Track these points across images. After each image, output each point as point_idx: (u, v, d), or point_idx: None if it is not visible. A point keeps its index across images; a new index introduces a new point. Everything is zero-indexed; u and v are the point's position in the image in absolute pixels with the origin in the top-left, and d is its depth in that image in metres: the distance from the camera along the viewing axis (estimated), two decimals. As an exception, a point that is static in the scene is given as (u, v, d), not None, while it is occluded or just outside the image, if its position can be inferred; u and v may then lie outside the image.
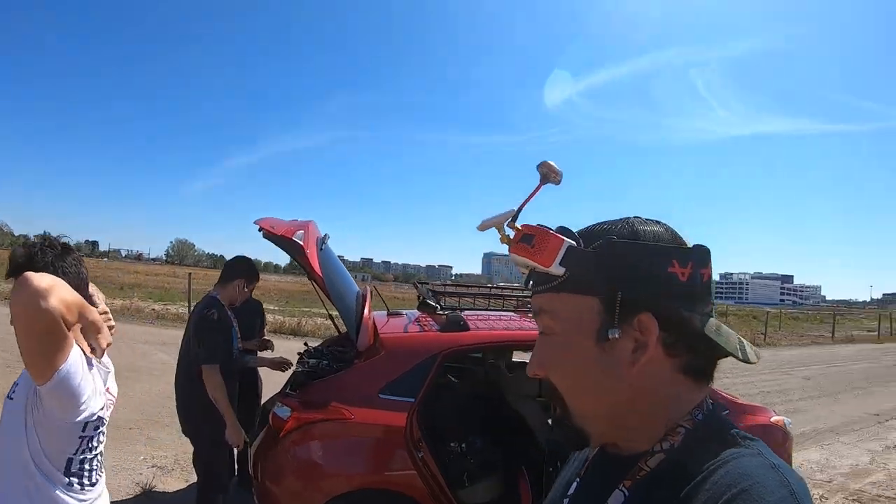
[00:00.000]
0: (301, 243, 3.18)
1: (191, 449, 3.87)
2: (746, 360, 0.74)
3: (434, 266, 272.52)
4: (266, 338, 4.66)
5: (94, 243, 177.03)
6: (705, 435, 0.71)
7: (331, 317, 4.68)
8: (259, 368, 4.44)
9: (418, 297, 4.45)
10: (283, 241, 3.24)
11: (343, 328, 4.21)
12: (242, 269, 3.82)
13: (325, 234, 3.73)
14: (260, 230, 3.32)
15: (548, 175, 0.81)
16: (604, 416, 0.76)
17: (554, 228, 0.76)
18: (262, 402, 4.44)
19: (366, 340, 3.24)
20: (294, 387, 3.40)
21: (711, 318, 0.74)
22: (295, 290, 36.70)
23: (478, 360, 5.09)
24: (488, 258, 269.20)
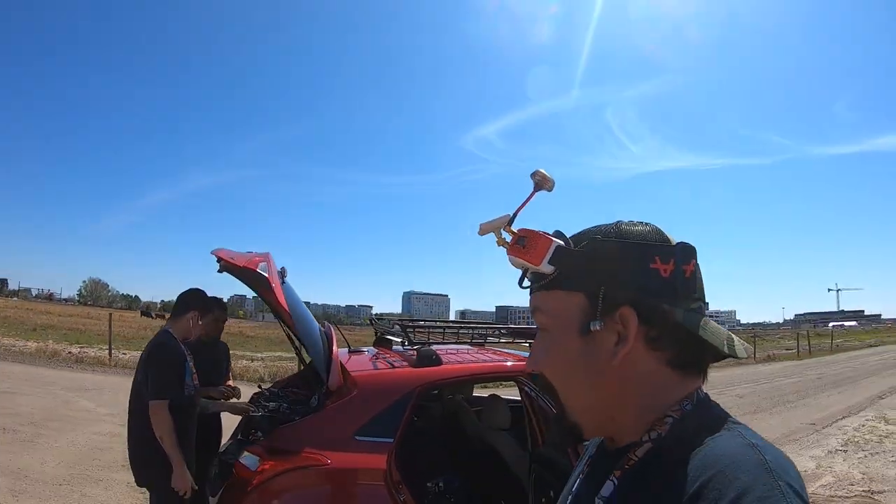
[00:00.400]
0: (266, 275, 3.00)
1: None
2: (734, 355, 0.78)
3: (354, 305, 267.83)
4: (231, 384, 4.30)
5: (4, 281, 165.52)
6: (692, 423, 0.73)
7: (298, 353, 4.48)
8: (221, 414, 4.10)
9: (376, 332, 4.40)
10: (245, 274, 3.04)
11: (300, 367, 4.01)
12: (195, 301, 3.57)
13: (283, 267, 3.54)
14: (218, 261, 3.11)
15: (541, 183, 0.87)
16: (594, 410, 0.79)
17: (550, 233, 0.81)
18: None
19: (337, 379, 3.06)
20: (253, 433, 3.17)
21: (697, 314, 0.77)
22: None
23: (433, 397, 4.94)
24: (408, 296, 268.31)
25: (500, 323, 6.07)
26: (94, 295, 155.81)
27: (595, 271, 0.77)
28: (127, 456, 3.40)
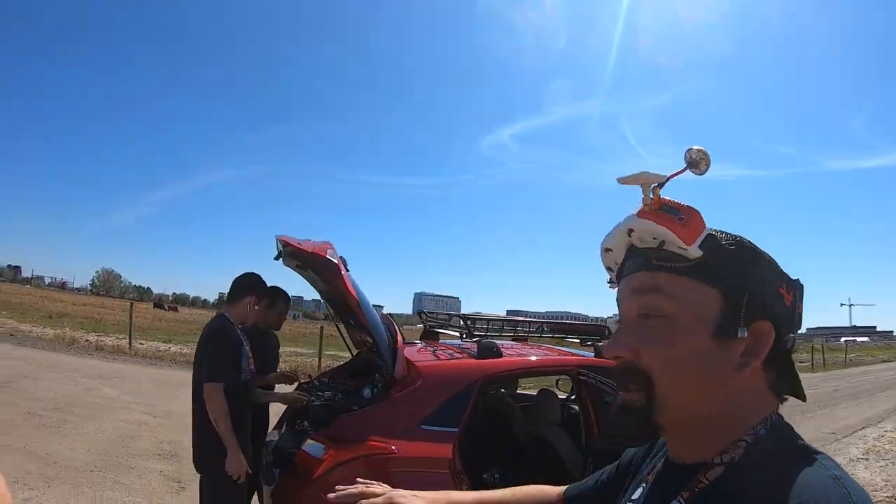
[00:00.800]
0: (336, 261, 2.98)
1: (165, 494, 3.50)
2: (801, 396, 0.81)
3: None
4: (288, 371, 4.23)
5: (17, 268, 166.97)
6: (766, 449, 0.72)
7: (344, 339, 4.48)
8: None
9: (425, 326, 4.46)
10: (313, 259, 3.02)
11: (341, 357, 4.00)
12: (252, 285, 3.51)
13: (342, 257, 3.53)
14: (284, 247, 3.08)
15: (698, 163, 0.77)
16: (693, 413, 0.75)
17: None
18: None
19: (402, 369, 3.06)
20: (299, 422, 3.17)
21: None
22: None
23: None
24: (419, 297, 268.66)
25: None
26: (107, 285, 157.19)
27: (741, 275, 0.74)
28: (158, 445, 3.38)
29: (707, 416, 0.74)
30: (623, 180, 0.80)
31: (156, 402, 9.08)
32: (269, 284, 3.72)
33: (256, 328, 3.87)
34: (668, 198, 0.77)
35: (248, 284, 3.50)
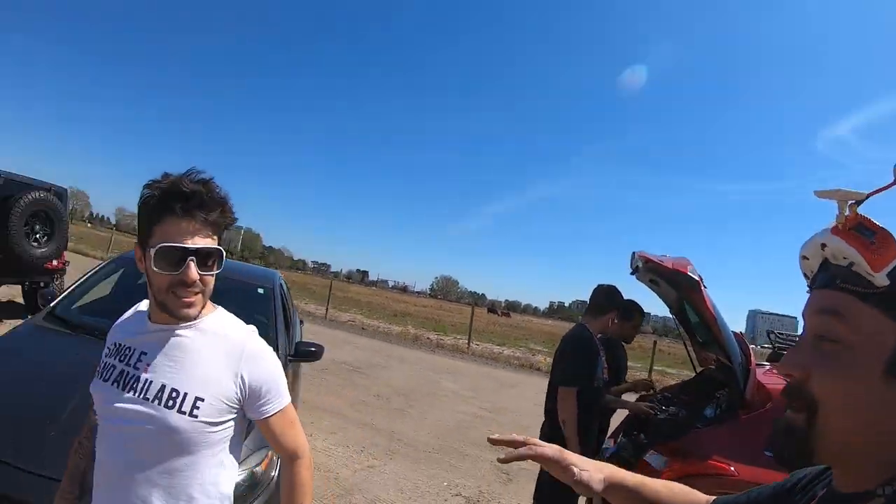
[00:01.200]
0: (697, 278, 3.00)
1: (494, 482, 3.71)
2: None
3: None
4: (646, 379, 4.37)
5: (365, 273, 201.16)
6: None
7: (689, 356, 4.42)
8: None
9: (773, 347, 4.32)
10: (675, 276, 3.06)
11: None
12: (616, 299, 3.60)
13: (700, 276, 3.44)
14: (645, 263, 3.17)
15: None
16: (848, 448, 0.71)
17: None
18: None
19: (752, 391, 2.98)
20: (635, 434, 3.28)
21: None
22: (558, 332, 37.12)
23: None
24: (753, 315, 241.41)
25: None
26: (445, 290, 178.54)
27: None
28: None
29: (867, 452, 0.70)
30: (820, 194, 0.76)
31: (490, 399, 9.97)
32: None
33: (610, 339, 4.02)
34: (867, 217, 0.72)
35: (612, 298, 3.59)
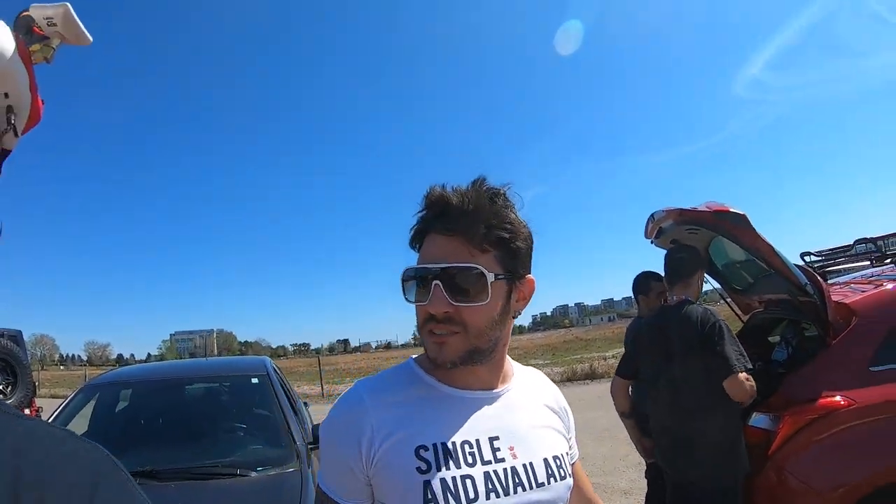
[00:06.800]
0: (742, 213, 2.78)
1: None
2: None
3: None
4: None
5: (346, 341, 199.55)
6: None
7: (731, 308, 4.12)
8: None
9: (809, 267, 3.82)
10: (718, 217, 2.84)
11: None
12: (702, 259, 3.18)
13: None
14: (680, 215, 2.99)
15: None
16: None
17: None
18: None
19: (834, 312, 2.75)
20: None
21: None
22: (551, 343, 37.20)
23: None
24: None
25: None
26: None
27: None
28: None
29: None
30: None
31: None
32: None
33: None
34: None
35: (696, 254, 3.09)
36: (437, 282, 0.91)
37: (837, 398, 2.58)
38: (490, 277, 0.91)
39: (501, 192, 0.97)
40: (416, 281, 0.95)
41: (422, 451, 0.91)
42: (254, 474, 2.82)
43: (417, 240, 0.99)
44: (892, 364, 2.64)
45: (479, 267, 0.90)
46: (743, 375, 2.61)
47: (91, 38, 0.77)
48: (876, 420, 2.57)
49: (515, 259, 0.95)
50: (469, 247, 0.91)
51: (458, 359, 0.92)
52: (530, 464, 0.95)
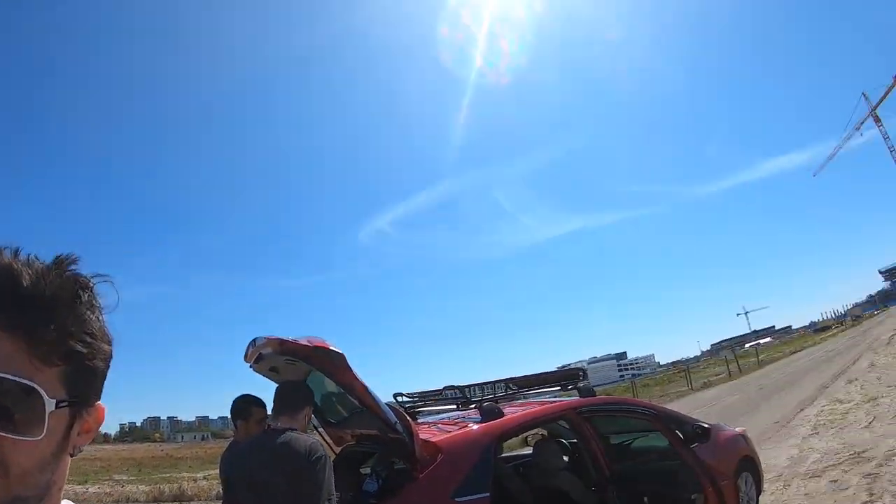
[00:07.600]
0: (341, 352, 2.89)
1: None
2: None
3: (226, 417, 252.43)
4: None
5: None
6: None
7: (324, 438, 4.25)
8: None
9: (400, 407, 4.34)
10: (316, 353, 2.89)
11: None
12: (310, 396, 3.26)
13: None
14: (280, 345, 2.96)
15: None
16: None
17: None
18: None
19: (421, 448, 3.07)
20: None
21: None
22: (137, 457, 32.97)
23: None
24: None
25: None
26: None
27: None
28: None
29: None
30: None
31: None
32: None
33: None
34: None
35: (305, 390, 3.20)
36: None
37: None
38: (50, 405, 0.63)
39: (90, 285, 0.71)
40: None
41: None
42: None
43: None
44: (472, 495, 3.00)
45: (38, 388, 0.62)
46: None
47: None
48: None
49: (90, 382, 0.70)
50: (30, 354, 0.63)
51: None
52: None
